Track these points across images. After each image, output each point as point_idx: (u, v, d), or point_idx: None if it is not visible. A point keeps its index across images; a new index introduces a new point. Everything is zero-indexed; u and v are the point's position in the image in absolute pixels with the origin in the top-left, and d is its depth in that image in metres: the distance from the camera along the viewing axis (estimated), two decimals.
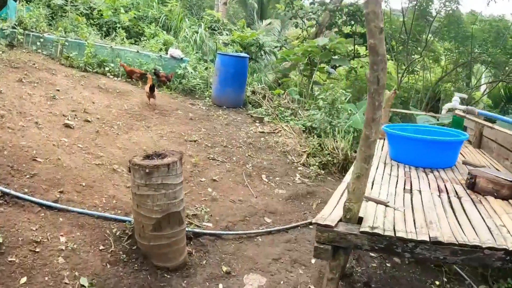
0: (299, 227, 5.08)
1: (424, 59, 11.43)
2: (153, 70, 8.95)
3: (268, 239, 4.73)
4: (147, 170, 3.55)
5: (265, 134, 7.74)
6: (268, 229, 4.88)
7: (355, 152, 7.50)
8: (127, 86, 8.27)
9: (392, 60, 12.91)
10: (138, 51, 9.55)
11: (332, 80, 13.02)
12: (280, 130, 7.89)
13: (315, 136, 7.78)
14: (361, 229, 2.79)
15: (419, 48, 11.49)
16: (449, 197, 3.75)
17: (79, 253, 3.68)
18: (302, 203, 5.69)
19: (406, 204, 3.37)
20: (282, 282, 4.01)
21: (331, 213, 3.05)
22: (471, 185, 4.16)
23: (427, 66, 11.91)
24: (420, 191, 3.73)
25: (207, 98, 9.21)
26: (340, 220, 2.94)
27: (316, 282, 4.11)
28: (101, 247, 3.83)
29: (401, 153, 5.27)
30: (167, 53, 9.87)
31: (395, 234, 2.76)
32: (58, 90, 6.92)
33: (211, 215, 4.86)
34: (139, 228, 3.78)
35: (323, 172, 6.76)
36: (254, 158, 6.69)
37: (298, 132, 7.90)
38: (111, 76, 8.67)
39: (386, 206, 3.05)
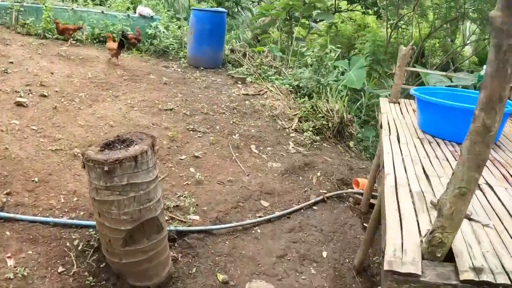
0: (302, 210, 4.10)
1: (414, 14, 10.26)
2: (121, 32, 7.61)
3: (269, 229, 3.73)
4: (106, 168, 2.41)
5: (250, 97, 6.61)
6: (267, 217, 3.86)
7: (349, 114, 6.48)
8: (92, 51, 6.95)
9: (375, 14, 11.71)
10: (103, 12, 8.15)
11: (313, 35, 11.80)
12: (266, 91, 6.76)
13: (305, 97, 6.70)
14: (462, 277, 1.63)
15: (405, 6, 10.35)
16: None
17: (32, 280, 2.64)
18: (301, 178, 4.68)
19: (485, 207, 2.21)
20: None
21: (402, 245, 1.81)
22: None
23: (416, 21, 10.76)
24: (489, 186, 2.60)
25: (182, 59, 7.94)
26: (423, 258, 1.74)
27: (332, 283, 3.19)
28: (60, 269, 2.79)
29: (440, 126, 3.70)
30: (135, 12, 8.48)
31: (511, 280, 1.70)
32: (12, 63, 5.64)
33: (197, 205, 3.79)
34: (106, 243, 2.70)
35: (318, 138, 5.71)
36: (240, 126, 5.61)
37: (285, 92, 6.78)
38: (74, 42, 7.31)
39: (470, 220, 2.01)
